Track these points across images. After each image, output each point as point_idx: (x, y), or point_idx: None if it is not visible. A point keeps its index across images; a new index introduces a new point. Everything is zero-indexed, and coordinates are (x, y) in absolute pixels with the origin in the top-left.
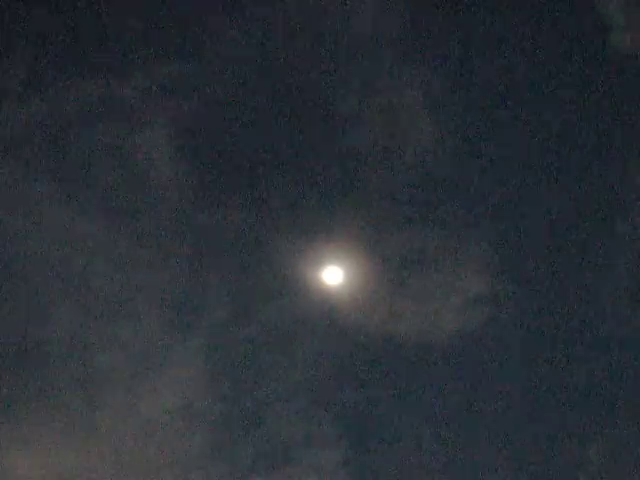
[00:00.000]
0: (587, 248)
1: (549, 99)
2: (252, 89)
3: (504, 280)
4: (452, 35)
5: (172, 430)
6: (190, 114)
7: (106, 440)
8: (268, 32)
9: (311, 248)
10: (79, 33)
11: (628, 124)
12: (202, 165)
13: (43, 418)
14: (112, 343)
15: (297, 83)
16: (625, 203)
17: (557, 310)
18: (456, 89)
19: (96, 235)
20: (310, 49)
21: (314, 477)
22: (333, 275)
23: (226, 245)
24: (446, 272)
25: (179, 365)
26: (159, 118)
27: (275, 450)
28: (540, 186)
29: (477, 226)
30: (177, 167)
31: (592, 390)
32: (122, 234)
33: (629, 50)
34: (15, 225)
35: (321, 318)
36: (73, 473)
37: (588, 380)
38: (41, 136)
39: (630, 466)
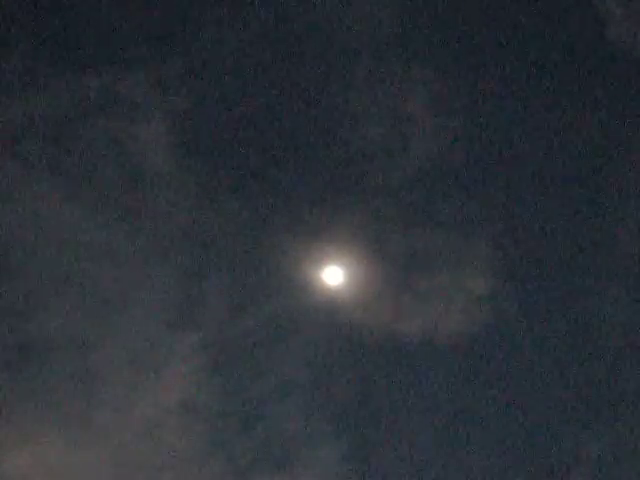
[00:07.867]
0: (588, 247)
1: (549, 98)
2: (253, 88)
3: (506, 280)
4: (453, 34)
5: (171, 427)
6: (190, 110)
7: (105, 437)
8: (269, 31)
9: (311, 248)
10: (78, 29)
11: (629, 120)
12: (202, 163)
13: (42, 416)
14: (111, 340)
15: (298, 82)
16: (626, 202)
17: (558, 310)
18: (458, 89)
19: (95, 231)
20: (311, 48)
21: (314, 474)
22: (333, 275)
23: (226, 244)
24: (448, 272)
25: (178, 362)
26: (159, 114)
27: (275, 447)
28: (541, 186)
29: (479, 226)
30: (177, 164)
31: (592, 389)
32: (121, 230)
33: (626, 43)
34: (14, 221)
35: (321, 318)
36: (72, 470)
37: (588, 379)
38: (40, 132)
39: (629, 465)
